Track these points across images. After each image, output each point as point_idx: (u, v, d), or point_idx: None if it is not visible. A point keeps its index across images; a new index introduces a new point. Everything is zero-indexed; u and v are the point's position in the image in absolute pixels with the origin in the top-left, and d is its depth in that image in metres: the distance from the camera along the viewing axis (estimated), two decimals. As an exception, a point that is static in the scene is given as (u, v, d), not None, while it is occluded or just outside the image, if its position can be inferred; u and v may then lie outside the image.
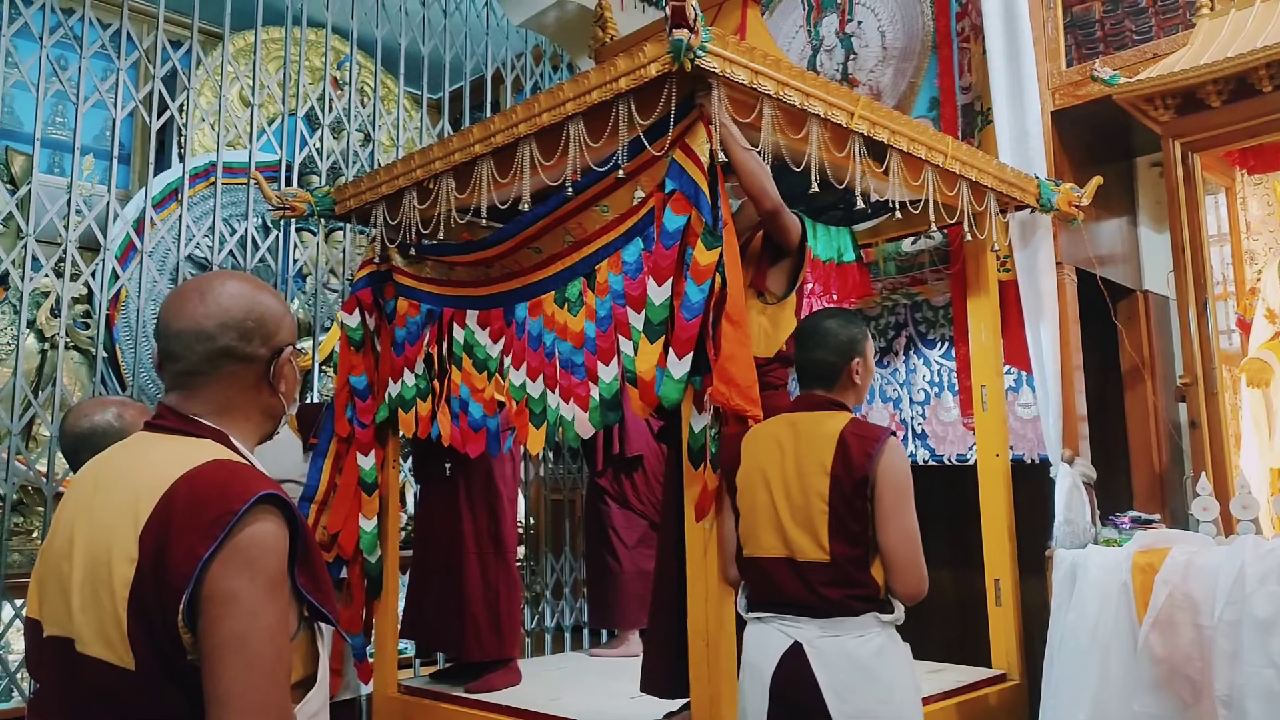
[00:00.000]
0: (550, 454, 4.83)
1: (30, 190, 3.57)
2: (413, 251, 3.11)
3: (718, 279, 2.17)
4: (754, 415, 2.19)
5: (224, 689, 1.08)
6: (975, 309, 3.44)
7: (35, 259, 3.50)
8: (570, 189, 2.48)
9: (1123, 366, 3.82)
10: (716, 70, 2.22)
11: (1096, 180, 3.36)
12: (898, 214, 2.69)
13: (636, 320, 2.35)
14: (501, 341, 2.82)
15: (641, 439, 4.07)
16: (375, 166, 4.34)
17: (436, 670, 3.58)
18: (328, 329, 5.22)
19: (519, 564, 4.12)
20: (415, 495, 3.72)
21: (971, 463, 3.58)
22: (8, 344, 4.48)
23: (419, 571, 3.41)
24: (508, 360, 2.78)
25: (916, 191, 2.76)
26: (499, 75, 5.08)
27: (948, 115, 3.81)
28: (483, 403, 2.84)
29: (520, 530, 4.46)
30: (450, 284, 3.04)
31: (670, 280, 2.21)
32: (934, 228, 2.80)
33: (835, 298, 3.51)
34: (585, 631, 4.49)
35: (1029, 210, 3.30)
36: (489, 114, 4.85)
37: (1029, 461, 3.56)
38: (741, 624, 2.22)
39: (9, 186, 4.40)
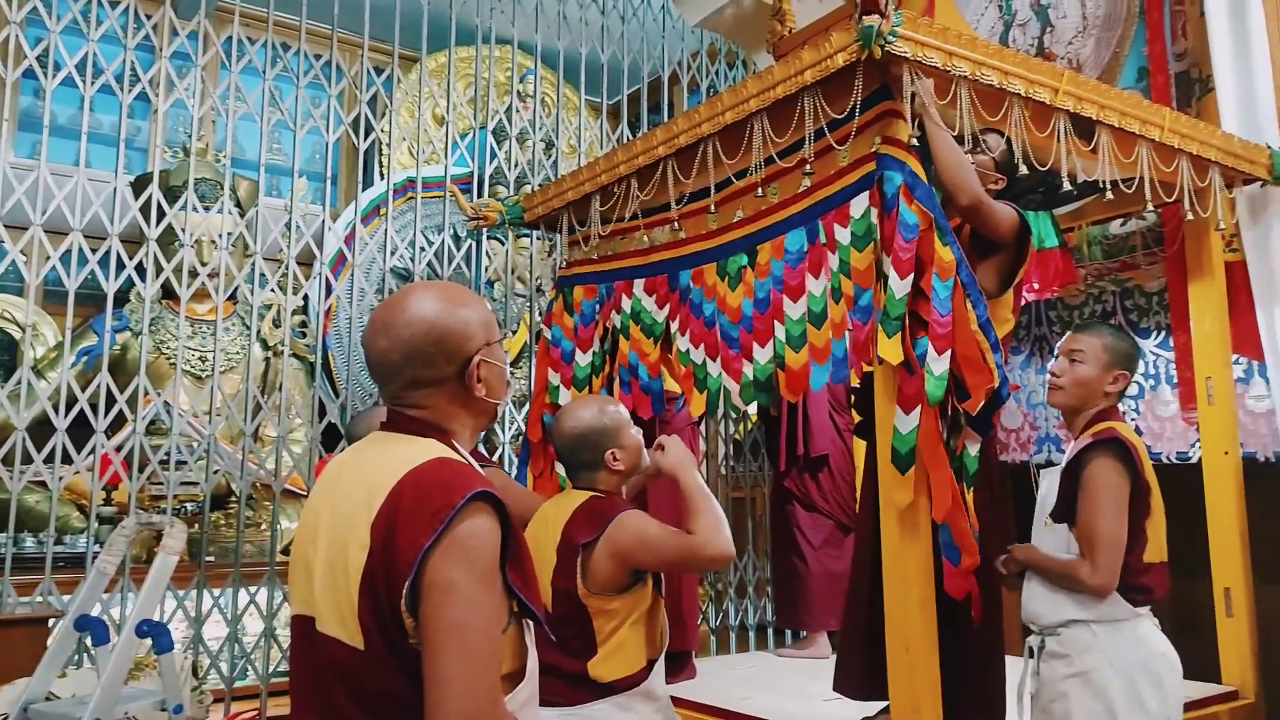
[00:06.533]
0: (731, 452, 4.83)
1: (256, 213, 3.91)
2: (594, 234, 3.18)
3: (956, 276, 2.09)
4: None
5: (443, 673, 1.14)
6: (1198, 294, 3.16)
7: (262, 275, 3.84)
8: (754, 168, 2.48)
9: (1375, 353, 3.40)
10: (908, 55, 2.14)
11: (1341, 146, 3.01)
12: (1108, 194, 2.51)
13: (791, 309, 2.35)
14: (667, 308, 2.87)
15: (826, 438, 4.01)
16: (557, 173, 4.49)
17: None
18: (515, 332, 5.44)
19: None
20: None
21: (1194, 461, 3.30)
22: (238, 353, 4.93)
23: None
24: (674, 326, 2.82)
25: (1129, 169, 2.57)
26: (674, 76, 5.13)
27: (1159, 85, 3.51)
28: (648, 366, 2.90)
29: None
30: (619, 256, 3.12)
31: (911, 275, 2.11)
32: (1150, 207, 2.59)
33: (1036, 287, 3.32)
34: (769, 631, 4.47)
35: (1259, 184, 3.01)
36: (665, 115, 4.93)
37: (1263, 460, 3.24)
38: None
39: (238, 210, 4.84)
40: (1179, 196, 2.73)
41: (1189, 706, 2.74)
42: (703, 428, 4.59)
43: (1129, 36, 3.69)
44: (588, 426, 2.16)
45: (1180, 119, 2.71)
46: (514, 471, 3.42)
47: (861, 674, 2.47)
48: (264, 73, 3.91)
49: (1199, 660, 3.06)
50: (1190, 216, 2.80)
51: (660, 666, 2.13)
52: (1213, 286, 3.13)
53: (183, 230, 3.74)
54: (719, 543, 2.01)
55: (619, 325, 3.03)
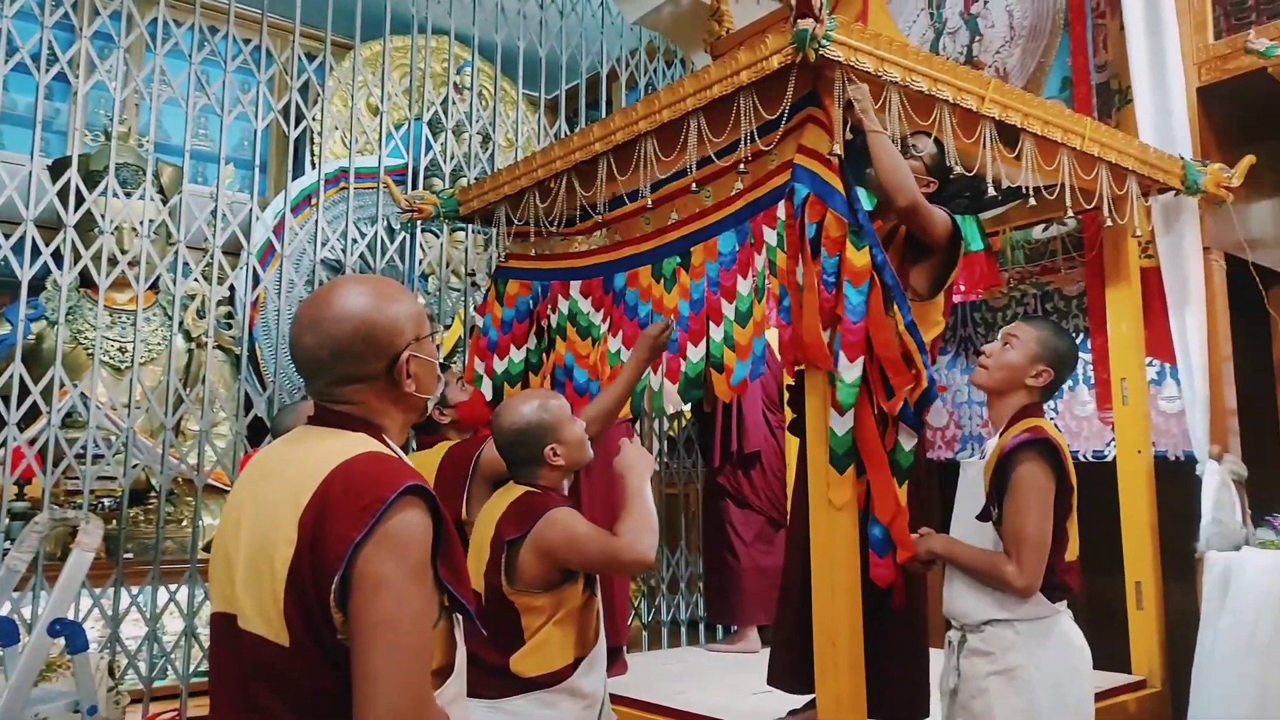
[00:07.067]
0: (665, 449, 4.85)
1: (180, 200, 3.80)
2: (531, 232, 3.16)
3: (875, 279, 2.12)
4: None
5: (371, 668, 1.13)
6: (1114, 298, 3.28)
7: (186, 264, 3.73)
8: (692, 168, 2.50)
9: (1275, 357, 3.57)
10: (841, 59, 2.18)
11: (1248, 159, 3.16)
12: (1031, 200, 2.58)
13: (728, 309, 2.42)
14: (602, 310, 2.91)
15: (759, 435, 4.05)
16: (494, 167, 4.46)
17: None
18: (449, 326, 5.38)
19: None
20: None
21: (1109, 459, 3.42)
22: (159, 344, 4.78)
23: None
24: (605, 327, 2.85)
25: (1051, 176, 2.65)
26: (613, 73, 5.13)
27: (1081, 95, 3.63)
28: (586, 368, 2.92)
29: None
30: (555, 257, 3.13)
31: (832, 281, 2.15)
32: (1070, 213, 2.68)
33: (962, 289, 3.40)
34: (701, 626, 4.50)
35: (1173, 193, 3.13)
36: (603, 111, 4.92)
37: (1173, 459, 3.37)
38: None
39: (161, 196, 4.69)
40: (1098, 203, 2.83)
41: (1099, 696, 2.84)
42: (638, 425, 4.61)
43: (1054, 47, 3.81)
44: (527, 422, 2.13)
45: (1100, 129, 2.81)
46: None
47: (794, 667, 2.50)
48: (190, 56, 3.80)
49: (1109, 651, 3.18)
50: (1109, 223, 2.91)
51: (595, 664, 2.11)
52: (1129, 291, 3.25)
53: (103, 216, 3.61)
54: (639, 549, 2.01)
55: (555, 325, 3.04)
